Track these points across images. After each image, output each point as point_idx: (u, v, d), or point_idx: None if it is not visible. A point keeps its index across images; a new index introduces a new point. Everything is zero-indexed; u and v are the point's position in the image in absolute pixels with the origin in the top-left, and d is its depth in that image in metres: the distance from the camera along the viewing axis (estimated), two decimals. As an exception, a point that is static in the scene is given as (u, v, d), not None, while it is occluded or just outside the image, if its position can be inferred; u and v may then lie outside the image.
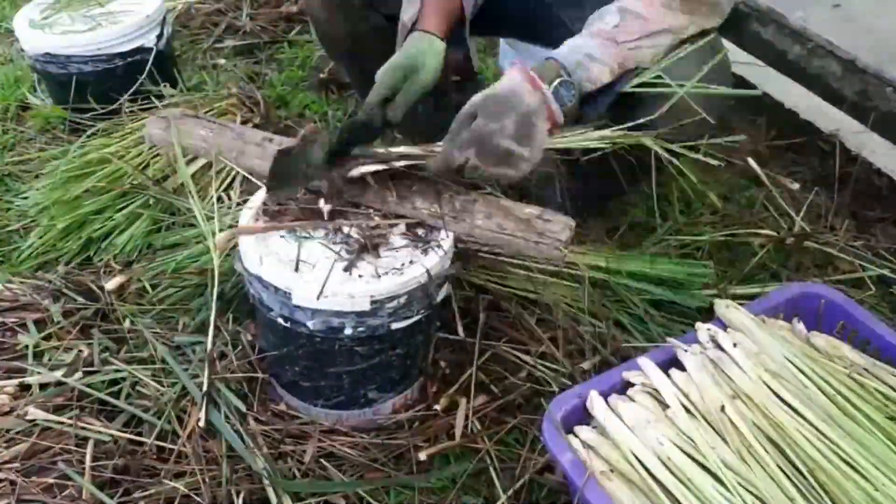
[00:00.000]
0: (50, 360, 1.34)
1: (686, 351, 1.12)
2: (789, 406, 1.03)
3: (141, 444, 1.22)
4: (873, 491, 0.94)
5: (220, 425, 1.23)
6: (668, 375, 1.10)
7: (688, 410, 1.05)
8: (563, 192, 1.61)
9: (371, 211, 1.23)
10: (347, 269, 1.14)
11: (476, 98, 1.16)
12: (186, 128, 1.38)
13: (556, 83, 1.16)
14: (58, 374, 1.29)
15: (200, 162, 1.69)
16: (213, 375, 1.27)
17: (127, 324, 1.43)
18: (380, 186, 1.22)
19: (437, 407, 1.32)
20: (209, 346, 1.26)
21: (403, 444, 1.27)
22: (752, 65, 2.10)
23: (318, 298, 1.11)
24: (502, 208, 1.19)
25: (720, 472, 0.97)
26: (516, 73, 1.16)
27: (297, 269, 1.13)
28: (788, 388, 1.05)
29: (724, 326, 1.16)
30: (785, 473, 0.97)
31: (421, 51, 1.29)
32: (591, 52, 1.18)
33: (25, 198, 1.78)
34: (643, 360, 1.12)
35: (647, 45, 1.19)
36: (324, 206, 1.22)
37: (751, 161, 1.92)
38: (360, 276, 1.14)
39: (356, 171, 1.19)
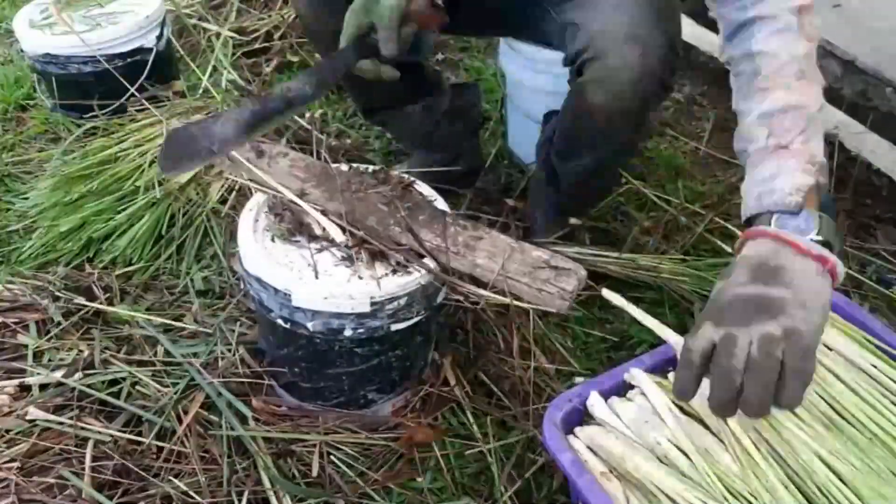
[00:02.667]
0: (50, 360, 1.34)
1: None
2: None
3: (141, 444, 1.22)
4: (871, 498, 0.94)
5: (220, 426, 1.24)
6: (668, 377, 1.10)
7: (686, 413, 1.05)
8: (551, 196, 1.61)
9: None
10: (348, 259, 1.13)
11: (745, 296, 0.83)
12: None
13: (838, 262, 0.85)
14: (58, 375, 1.29)
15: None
16: (216, 375, 1.28)
17: (126, 325, 1.43)
18: (388, 211, 1.19)
19: (438, 407, 1.32)
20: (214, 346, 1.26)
21: (403, 445, 1.27)
22: (752, 65, 2.10)
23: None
24: (507, 249, 1.13)
25: (720, 474, 0.97)
26: (773, 241, 0.86)
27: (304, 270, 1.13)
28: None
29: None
30: (781, 477, 0.97)
31: None
32: (779, 174, 0.93)
33: (26, 198, 1.78)
34: (635, 371, 1.11)
35: (813, 129, 0.95)
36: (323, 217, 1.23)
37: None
38: (359, 277, 1.14)
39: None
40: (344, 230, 1.19)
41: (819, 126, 0.95)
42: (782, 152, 0.93)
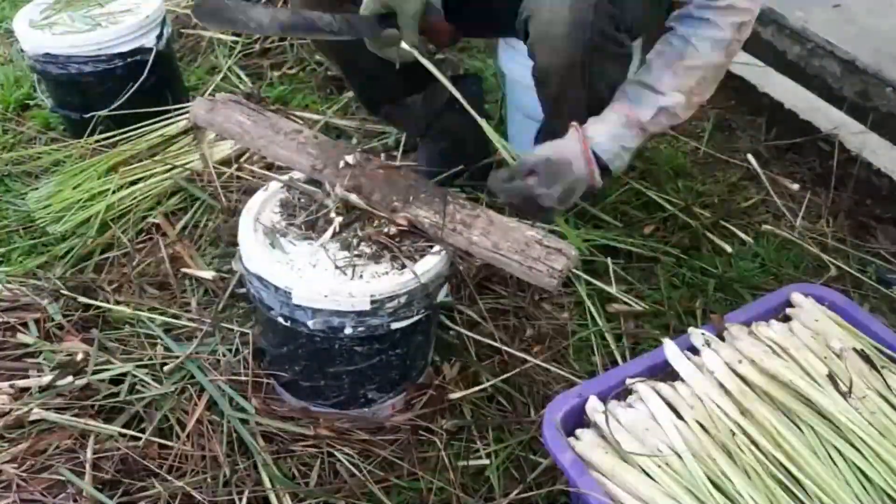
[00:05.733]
0: (50, 360, 1.34)
1: (685, 358, 1.12)
2: (785, 414, 1.04)
3: (141, 443, 1.22)
4: (862, 492, 0.94)
5: (221, 425, 1.23)
6: (667, 381, 1.11)
7: (681, 417, 1.05)
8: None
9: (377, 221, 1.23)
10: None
11: (540, 157, 1.26)
12: (227, 112, 1.40)
13: (598, 172, 1.28)
14: (58, 374, 1.29)
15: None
16: (217, 375, 1.28)
17: (127, 325, 1.43)
18: (387, 190, 1.22)
19: (438, 406, 1.32)
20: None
21: (403, 444, 1.27)
22: (752, 65, 2.10)
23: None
24: (502, 227, 1.17)
25: (717, 482, 0.97)
26: (576, 141, 1.27)
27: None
28: (784, 396, 1.05)
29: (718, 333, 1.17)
30: (782, 485, 0.97)
31: None
32: (627, 144, 1.29)
33: (24, 197, 1.78)
34: (634, 381, 1.11)
35: (668, 127, 1.34)
36: (335, 216, 1.23)
37: (751, 158, 1.92)
38: (360, 275, 1.14)
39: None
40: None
41: (662, 118, 1.30)
42: (642, 135, 1.30)
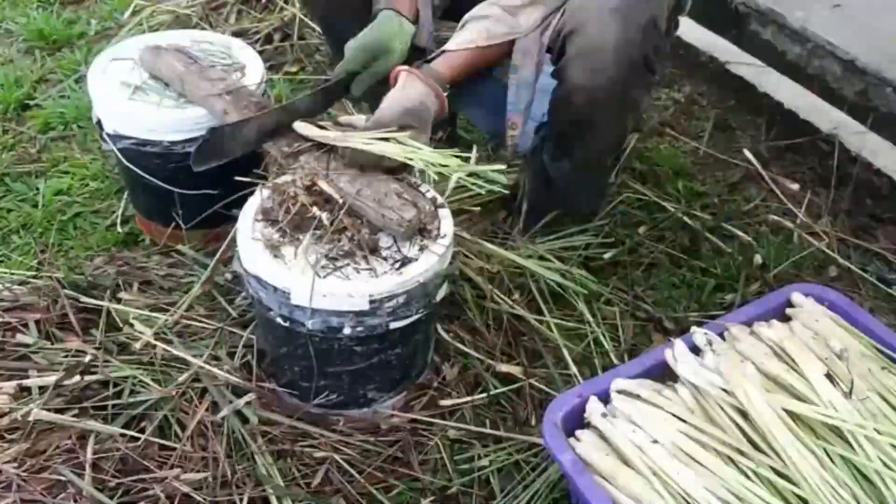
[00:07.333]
0: (50, 360, 1.34)
1: (686, 359, 1.12)
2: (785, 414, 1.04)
3: (142, 445, 1.22)
4: (862, 494, 0.94)
5: (222, 426, 1.23)
6: (668, 382, 1.11)
7: (681, 418, 1.05)
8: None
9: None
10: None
11: (398, 113, 1.25)
12: (166, 59, 1.50)
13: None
14: (58, 375, 1.29)
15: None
16: (217, 376, 1.28)
17: (128, 325, 1.43)
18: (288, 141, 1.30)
19: (438, 405, 1.32)
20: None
21: (403, 445, 1.27)
22: (753, 65, 2.10)
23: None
24: (370, 178, 1.22)
25: (717, 480, 0.97)
26: (416, 81, 1.28)
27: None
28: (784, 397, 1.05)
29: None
30: (781, 487, 0.97)
31: (391, 34, 1.34)
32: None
33: (23, 200, 1.78)
34: (633, 382, 1.11)
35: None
36: (320, 212, 1.22)
37: (749, 155, 1.92)
38: (358, 275, 1.14)
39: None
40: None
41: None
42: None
